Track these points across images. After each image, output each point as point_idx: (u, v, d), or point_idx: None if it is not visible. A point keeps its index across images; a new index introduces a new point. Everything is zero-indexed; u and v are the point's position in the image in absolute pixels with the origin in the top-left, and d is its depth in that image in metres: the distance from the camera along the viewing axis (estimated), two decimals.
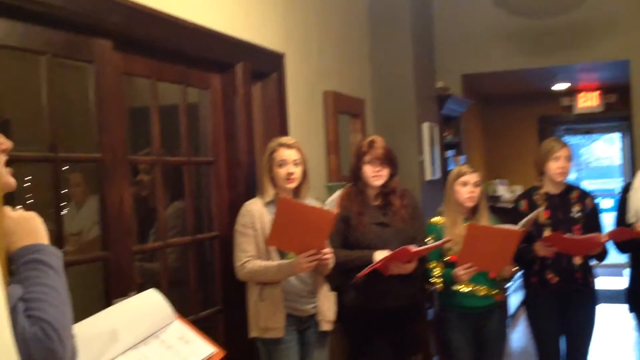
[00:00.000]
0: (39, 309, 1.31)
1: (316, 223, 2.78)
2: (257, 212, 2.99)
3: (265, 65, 3.52)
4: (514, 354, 5.46)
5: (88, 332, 1.54)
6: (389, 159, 3.38)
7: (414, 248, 3.09)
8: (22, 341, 1.25)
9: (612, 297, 6.38)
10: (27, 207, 2.62)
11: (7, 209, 1.41)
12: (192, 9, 2.90)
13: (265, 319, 2.96)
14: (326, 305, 3.13)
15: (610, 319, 6.24)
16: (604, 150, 16.07)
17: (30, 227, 1.43)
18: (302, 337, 3.10)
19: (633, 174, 8.86)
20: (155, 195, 2.91)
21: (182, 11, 2.81)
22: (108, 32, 2.46)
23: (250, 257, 2.95)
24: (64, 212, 2.50)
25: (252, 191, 3.24)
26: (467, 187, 3.43)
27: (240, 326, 3.09)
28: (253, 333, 3.01)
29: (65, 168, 2.69)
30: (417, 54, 5.17)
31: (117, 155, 2.55)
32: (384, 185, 3.38)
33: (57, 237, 2.26)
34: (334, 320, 3.17)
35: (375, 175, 3.34)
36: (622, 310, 6.92)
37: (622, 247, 3.62)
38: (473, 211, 3.47)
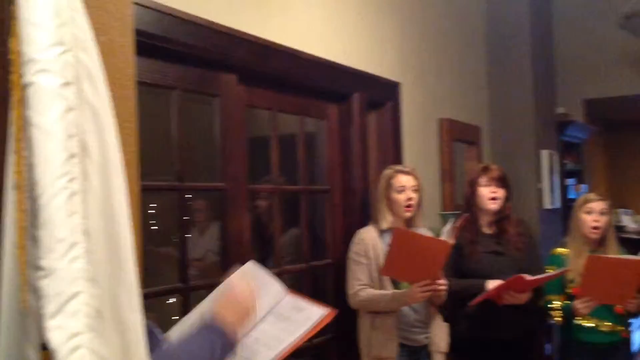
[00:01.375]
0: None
1: (431, 253, 2.76)
2: (370, 240, 3.01)
3: (380, 94, 3.56)
4: None
5: None
6: (504, 181, 3.33)
7: (529, 277, 3.00)
8: None
9: None
10: (152, 233, 2.79)
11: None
12: (311, 42, 2.99)
13: (378, 348, 2.95)
14: (439, 335, 3.09)
15: None
16: None
17: (241, 309, 1.53)
18: None
19: None
20: (273, 222, 3.00)
21: (301, 44, 2.91)
22: (233, 66, 2.58)
23: (364, 286, 2.96)
24: (188, 237, 2.63)
25: (366, 219, 3.27)
26: (591, 215, 3.31)
27: (352, 354, 3.11)
28: None
29: (188, 196, 2.83)
30: (536, 78, 5.05)
31: (239, 184, 2.66)
32: (498, 212, 3.31)
33: (181, 262, 2.38)
34: (447, 351, 3.12)
35: (491, 197, 3.30)
36: None
37: None
38: (600, 242, 3.33)
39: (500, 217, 3.34)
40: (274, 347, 1.67)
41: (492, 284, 3.13)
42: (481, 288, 3.15)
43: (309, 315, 1.76)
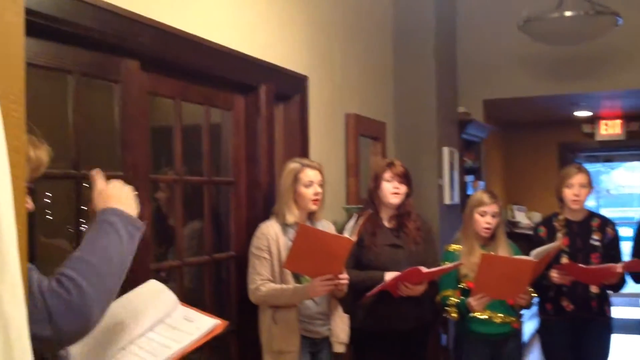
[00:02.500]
0: (71, 266, 1.31)
1: (334, 249, 2.79)
2: (273, 234, 3.00)
3: (288, 87, 3.55)
4: None
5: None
6: (407, 178, 3.42)
7: (425, 269, 3.09)
8: (40, 296, 1.24)
9: (627, 327, 6.30)
10: (47, 224, 2.67)
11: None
12: (218, 31, 2.94)
13: (279, 342, 2.95)
14: (340, 327, 3.13)
15: (622, 349, 6.15)
16: (625, 178, 15.93)
17: (122, 195, 1.46)
18: (315, 359, 3.10)
19: None
20: (175, 213, 2.94)
21: (208, 33, 2.85)
22: (136, 52, 2.50)
23: (265, 281, 2.96)
24: (84, 228, 2.53)
25: (269, 212, 3.26)
26: (485, 217, 3.43)
27: (253, 348, 3.09)
28: (266, 357, 3.00)
29: (86, 185, 2.72)
30: (440, 78, 5.19)
31: (139, 174, 2.58)
32: (399, 207, 3.40)
33: None
34: (347, 342, 3.16)
35: (394, 192, 3.37)
36: (636, 340, 6.86)
37: (638, 278, 3.58)
38: (491, 238, 3.46)
39: (401, 212, 3.44)
40: (159, 354, 1.64)
41: (389, 276, 3.20)
42: (380, 280, 3.22)
43: (199, 326, 1.75)
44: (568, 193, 3.56)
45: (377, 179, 3.42)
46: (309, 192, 3.03)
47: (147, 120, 2.64)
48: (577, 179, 3.55)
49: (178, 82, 2.85)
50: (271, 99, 3.37)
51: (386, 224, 3.45)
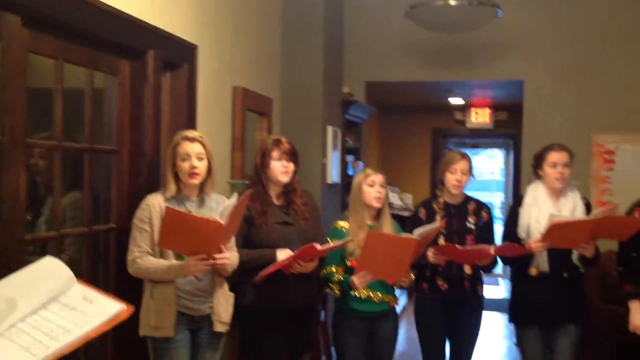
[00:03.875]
0: None
1: (205, 232, 2.71)
2: (157, 207, 2.89)
3: (177, 55, 3.42)
4: (395, 356, 5.59)
5: None
6: (294, 156, 3.40)
7: (319, 246, 3.10)
8: None
9: (488, 305, 6.67)
10: None
11: None
12: None
13: (155, 317, 2.87)
14: (222, 305, 3.06)
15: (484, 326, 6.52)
16: (485, 164, 16.85)
17: None
18: (195, 337, 3.03)
19: (515, 190, 9.27)
20: (52, 182, 2.76)
21: None
22: (17, 6, 2.30)
23: (143, 253, 2.86)
24: None
25: (155, 184, 3.14)
26: (374, 187, 3.49)
27: (132, 323, 2.97)
28: (143, 331, 2.92)
29: None
30: (326, 57, 5.21)
31: (16, 138, 2.40)
32: (286, 184, 3.38)
33: None
34: (229, 321, 3.12)
35: (283, 171, 3.34)
36: (495, 317, 7.30)
37: (507, 260, 3.78)
38: (377, 216, 3.53)
39: (288, 189, 3.42)
40: (59, 337, 1.52)
41: (281, 254, 3.19)
42: (272, 258, 3.19)
43: (103, 309, 1.63)
44: (451, 178, 3.68)
45: (264, 157, 3.37)
46: (185, 166, 2.94)
47: (25, 80, 2.44)
48: (461, 165, 3.67)
49: (61, 41, 2.66)
50: (159, 66, 3.23)
51: (275, 201, 3.42)
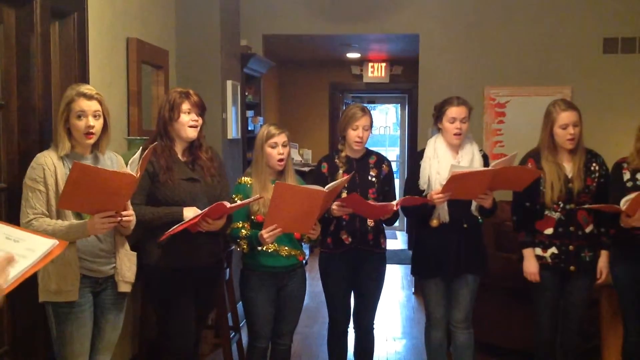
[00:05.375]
0: None
1: (114, 186, 2.59)
2: (50, 165, 2.73)
3: (65, 2, 3.20)
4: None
5: None
6: (203, 108, 3.30)
7: (229, 204, 3.04)
8: None
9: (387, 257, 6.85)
10: None
11: None
12: None
13: (57, 281, 2.74)
14: (126, 265, 2.97)
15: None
16: (379, 119, 17.17)
17: None
18: (98, 299, 2.93)
19: (411, 144, 9.46)
20: None
21: None
22: None
23: (39, 215, 2.70)
24: None
25: (47, 140, 2.96)
26: (276, 149, 3.44)
27: (28, 289, 2.82)
28: (42, 297, 2.78)
29: None
30: (223, 9, 5.04)
31: None
32: (193, 139, 3.28)
33: None
34: (133, 281, 3.03)
35: (192, 125, 3.24)
36: (393, 269, 7.51)
37: (409, 213, 3.86)
38: (280, 173, 3.49)
39: (194, 145, 3.31)
40: None
41: (188, 212, 3.10)
42: (179, 216, 3.10)
43: (32, 247, 1.51)
44: (352, 134, 3.68)
45: (173, 110, 3.23)
46: (80, 124, 2.78)
47: None
48: (362, 121, 3.68)
49: None
50: (47, 14, 3.01)
51: (181, 157, 3.30)
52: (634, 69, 5.90)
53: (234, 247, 3.45)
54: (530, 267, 3.66)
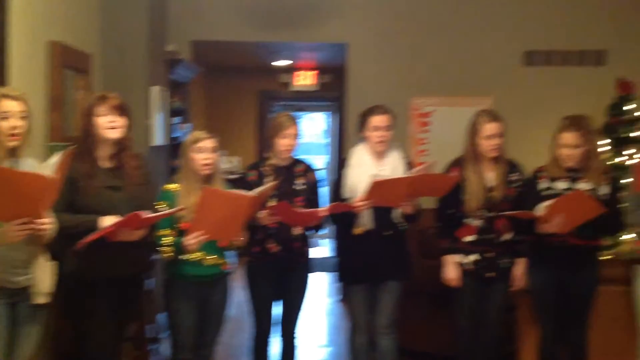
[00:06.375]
0: None
1: (29, 190, 2.49)
2: None
3: None
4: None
5: None
6: (124, 110, 3.21)
7: (144, 214, 2.98)
8: None
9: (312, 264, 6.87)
10: None
11: None
12: None
13: None
14: (42, 276, 2.87)
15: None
16: (310, 127, 17.23)
17: None
18: (13, 311, 2.82)
19: (339, 152, 9.54)
20: None
21: None
22: None
23: None
24: None
25: None
26: (203, 154, 3.41)
27: None
28: None
29: None
30: (150, 12, 4.97)
31: None
32: (118, 143, 3.19)
33: None
34: (50, 292, 2.93)
35: (110, 126, 3.15)
36: (318, 276, 7.53)
37: (335, 220, 3.89)
38: (208, 179, 3.46)
39: (120, 148, 3.23)
40: None
41: (106, 221, 3.02)
42: (94, 225, 3.01)
43: None
44: (281, 143, 3.70)
45: (89, 115, 3.15)
46: (3, 126, 2.69)
47: None
48: (291, 130, 3.70)
49: None
50: None
51: (104, 163, 3.21)
52: (553, 81, 6.14)
53: (158, 255, 3.39)
54: (450, 273, 3.75)
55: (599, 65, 6.13)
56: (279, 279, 3.77)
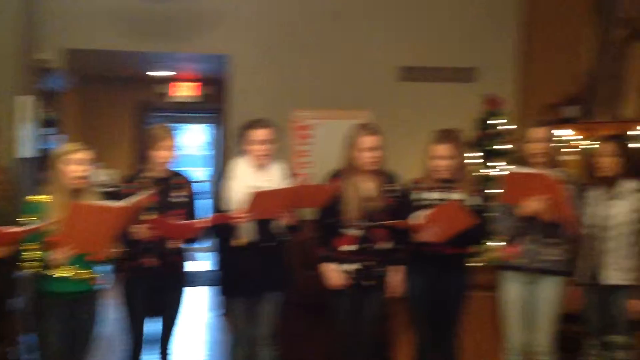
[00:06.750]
0: None
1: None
2: None
3: None
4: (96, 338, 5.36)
5: None
6: None
7: (8, 229, 2.83)
8: None
9: (192, 278, 6.75)
10: None
11: None
12: None
13: None
14: None
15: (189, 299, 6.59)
16: (191, 139, 17.01)
17: None
18: None
19: (222, 164, 9.49)
20: None
21: None
22: None
23: None
24: None
25: None
26: (73, 166, 3.29)
27: None
28: None
29: None
30: (17, 20, 4.72)
31: None
32: None
33: None
34: None
35: None
36: (198, 290, 7.40)
37: (216, 232, 3.85)
38: (79, 192, 3.32)
39: None
40: None
41: None
42: None
43: None
44: (158, 155, 3.64)
45: None
46: None
47: None
48: (167, 141, 3.65)
49: None
50: None
51: None
52: (426, 96, 6.39)
53: (23, 272, 3.22)
54: (333, 279, 3.79)
55: (469, 81, 6.45)
56: (155, 294, 3.68)
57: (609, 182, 3.74)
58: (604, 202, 3.74)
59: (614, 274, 3.70)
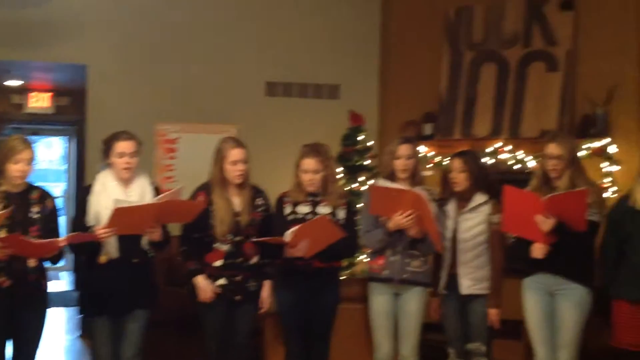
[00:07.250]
0: None
1: None
2: None
3: None
4: None
5: None
6: None
7: None
8: None
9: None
10: None
11: None
12: None
13: None
14: None
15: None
16: (45, 152, 16.17)
17: None
18: None
19: (79, 178, 9.09)
20: None
21: None
22: None
23: None
24: None
25: None
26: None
27: None
28: None
29: None
30: None
31: None
32: None
33: None
34: None
35: None
36: (56, 312, 7.05)
37: (76, 250, 3.69)
38: None
39: None
40: None
41: None
42: None
43: None
44: (14, 168, 3.46)
45: None
46: None
47: None
48: (25, 154, 3.47)
49: None
50: None
51: None
52: (293, 111, 6.47)
53: None
54: (205, 292, 3.72)
55: (333, 98, 6.61)
56: (11, 316, 3.45)
57: (463, 197, 3.96)
58: (459, 216, 3.95)
59: (469, 284, 3.90)
